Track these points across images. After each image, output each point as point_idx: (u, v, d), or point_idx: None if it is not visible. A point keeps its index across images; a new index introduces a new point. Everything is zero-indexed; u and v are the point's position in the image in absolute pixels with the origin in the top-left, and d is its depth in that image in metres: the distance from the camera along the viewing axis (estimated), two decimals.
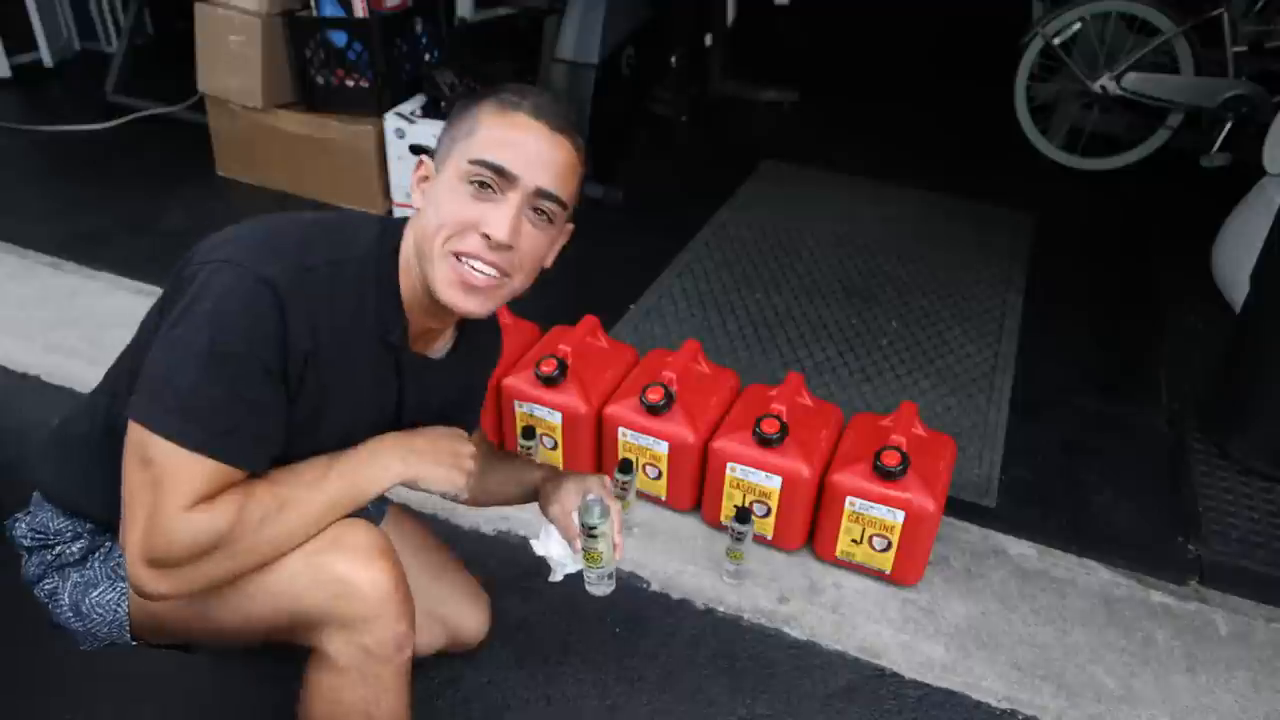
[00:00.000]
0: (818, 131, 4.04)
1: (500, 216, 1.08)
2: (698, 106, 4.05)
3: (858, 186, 3.53)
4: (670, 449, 1.90)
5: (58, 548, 1.24)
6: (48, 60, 4.09)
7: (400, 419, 1.25)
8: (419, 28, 3.14)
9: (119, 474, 1.05)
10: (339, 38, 2.95)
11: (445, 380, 1.31)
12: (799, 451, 1.82)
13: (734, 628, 1.79)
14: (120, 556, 1.21)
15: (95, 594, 1.22)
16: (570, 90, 3.10)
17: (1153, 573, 1.94)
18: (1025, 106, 3.73)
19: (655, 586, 1.86)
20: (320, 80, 3.02)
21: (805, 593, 1.85)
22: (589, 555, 1.35)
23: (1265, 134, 2.79)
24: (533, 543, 1.42)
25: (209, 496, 1.02)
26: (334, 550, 1.11)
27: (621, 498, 1.90)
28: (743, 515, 1.78)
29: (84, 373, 2.28)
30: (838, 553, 1.86)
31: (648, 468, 1.95)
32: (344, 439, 1.17)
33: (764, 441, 1.81)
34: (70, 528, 1.24)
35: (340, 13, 2.92)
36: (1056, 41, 3.59)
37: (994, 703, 1.68)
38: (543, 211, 1.12)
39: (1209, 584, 1.93)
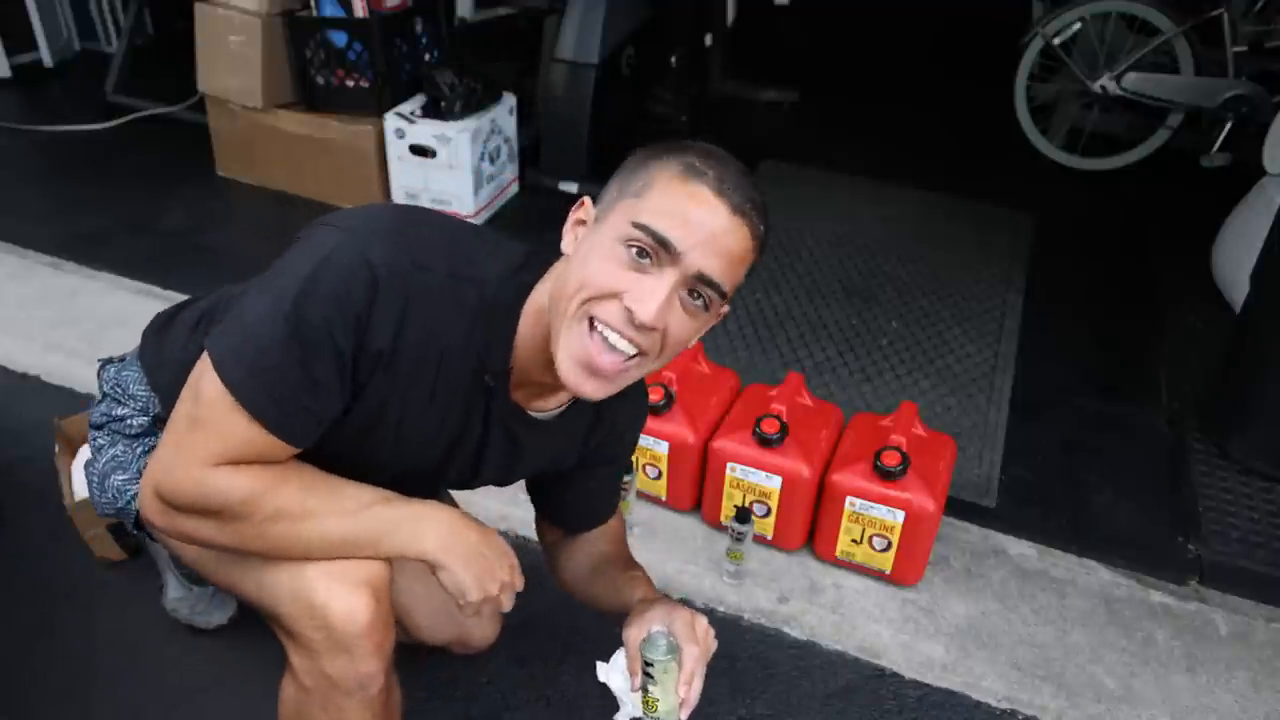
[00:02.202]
0: (818, 131, 4.03)
1: (650, 292, 0.95)
2: (698, 106, 4.04)
3: (858, 186, 3.52)
4: (670, 449, 1.90)
5: (125, 413, 1.23)
6: (48, 60, 4.08)
7: (479, 470, 1.17)
8: (419, 28, 3.13)
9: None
10: (339, 38, 2.95)
11: (544, 443, 1.19)
12: (799, 451, 1.82)
13: (734, 628, 1.79)
14: None
15: (120, 477, 1.22)
16: (570, 90, 3.10)
17: (1153, 573, 1.94)
18: (1025, 106, 3.73)
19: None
20: (320, 80, 3.02)
21: (805, 593, 1.85)
22: (645, 699, 1.15)
23: (1265, 134, 2.79)
24: (599, 665, 1.27)
25: (239, 460, 0.99)
26: (321, 569, 1.04)
27: (622, 498, 1.91)
28: (743, 515, 1.78)
29: (84, 373, 2.27)
30: (838, 553, 1.86)
31: (648, 468, 1.95)
32: (393, 462, 1.10)
33: (764, 441, 1.81)
34: (145, 401, 1.23)
35: (340, 13, 2.92)
36: (1056, 41, 3.58)
37: (994, 703, 1.68)
38: (699, 295, 0.99)
39: (1209, 584, 1.93)
